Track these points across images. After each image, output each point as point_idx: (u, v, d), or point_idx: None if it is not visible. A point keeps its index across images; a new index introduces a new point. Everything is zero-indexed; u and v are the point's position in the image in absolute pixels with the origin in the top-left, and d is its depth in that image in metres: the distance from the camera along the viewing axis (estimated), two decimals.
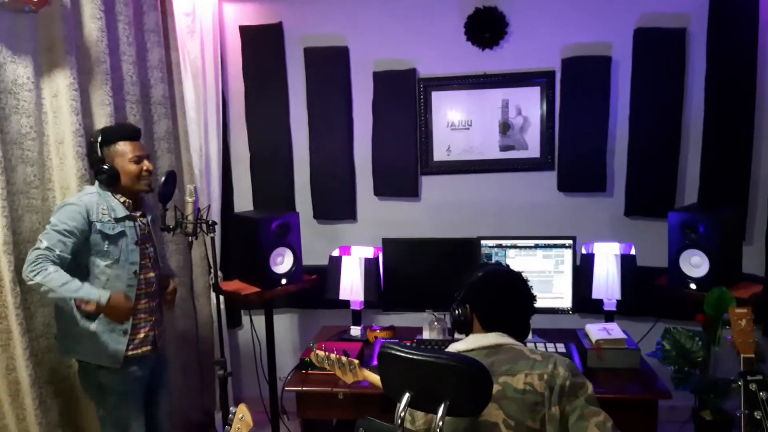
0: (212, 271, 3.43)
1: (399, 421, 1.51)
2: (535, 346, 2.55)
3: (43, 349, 2.43)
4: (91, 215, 2.24)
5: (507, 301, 1.82)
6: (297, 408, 2.56)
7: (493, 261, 1.89)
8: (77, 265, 2.22)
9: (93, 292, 2.15)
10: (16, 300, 2.24)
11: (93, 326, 2.25)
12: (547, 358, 1.68)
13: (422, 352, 1.53)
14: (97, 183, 2.34)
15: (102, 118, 2.64)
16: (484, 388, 1.48)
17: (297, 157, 3.62)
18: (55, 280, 2.09)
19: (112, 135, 2.33)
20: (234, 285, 3.01)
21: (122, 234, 2.30)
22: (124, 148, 2.32)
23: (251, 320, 3.23)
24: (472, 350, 1.74)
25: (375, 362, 2.56)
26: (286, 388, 2.54)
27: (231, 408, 1.57)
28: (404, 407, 1.52)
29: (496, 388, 1.60)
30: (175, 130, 3.27)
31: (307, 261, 3.08)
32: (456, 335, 2.21)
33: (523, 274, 1.90)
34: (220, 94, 3.44)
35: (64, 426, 2.52)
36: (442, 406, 1.47)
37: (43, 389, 2.38)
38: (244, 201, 3.68)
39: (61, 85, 2.47)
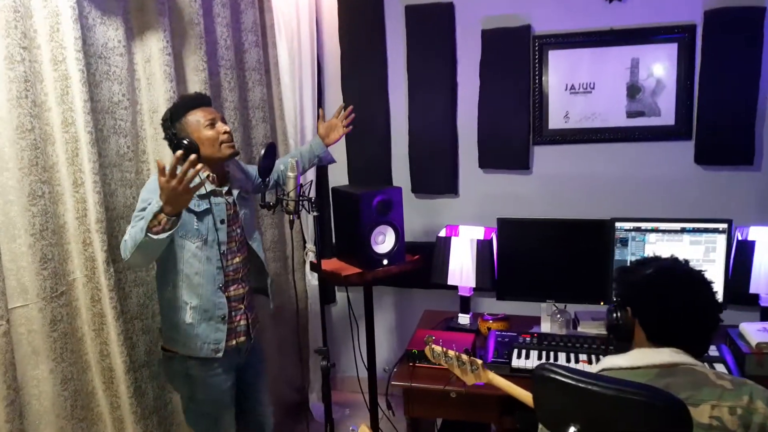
0: (306, 247, 3.25)
1: None
2: None
3: (137, 331, 2.30)
4: None
5: (686, 310, 1.46)
6: (404, 404, 2.33)
7: (667, 256, 1.49)
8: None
9: (149, 210, 1.87)
10: (110, 282, 2.09)
11: (188, 318, 2.08)
12: (740, 387, 1.36)
13: (599, 381, 1.22)
14: None
15: (196, 85, 2.45)
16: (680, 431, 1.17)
17: (395, 126, 3.34)
18: (130, 235, 1.90)
19: (179, 108, 2.10)
20: (332, 264, 2.78)
21: (208, 211, 2.08)
22: (194, 116, 2.08)
23: (348, 299, 3.00)
24: (639, 368, 1.42)
25: (490, 359, 2.29)
26: (393, 383, 2.31)
27: (352, 428, 1.35)
28: None
29: None
30: (269, 98, 3.06)
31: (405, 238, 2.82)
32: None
33: (705, 274, 1.52)
34: (316, 59, 3.18)
35: (159, 411, 2.40)
36: None
37: (137, 374, 2.25)
38: (337, 173, 3.44)
39: (153, 49, 2.28)
